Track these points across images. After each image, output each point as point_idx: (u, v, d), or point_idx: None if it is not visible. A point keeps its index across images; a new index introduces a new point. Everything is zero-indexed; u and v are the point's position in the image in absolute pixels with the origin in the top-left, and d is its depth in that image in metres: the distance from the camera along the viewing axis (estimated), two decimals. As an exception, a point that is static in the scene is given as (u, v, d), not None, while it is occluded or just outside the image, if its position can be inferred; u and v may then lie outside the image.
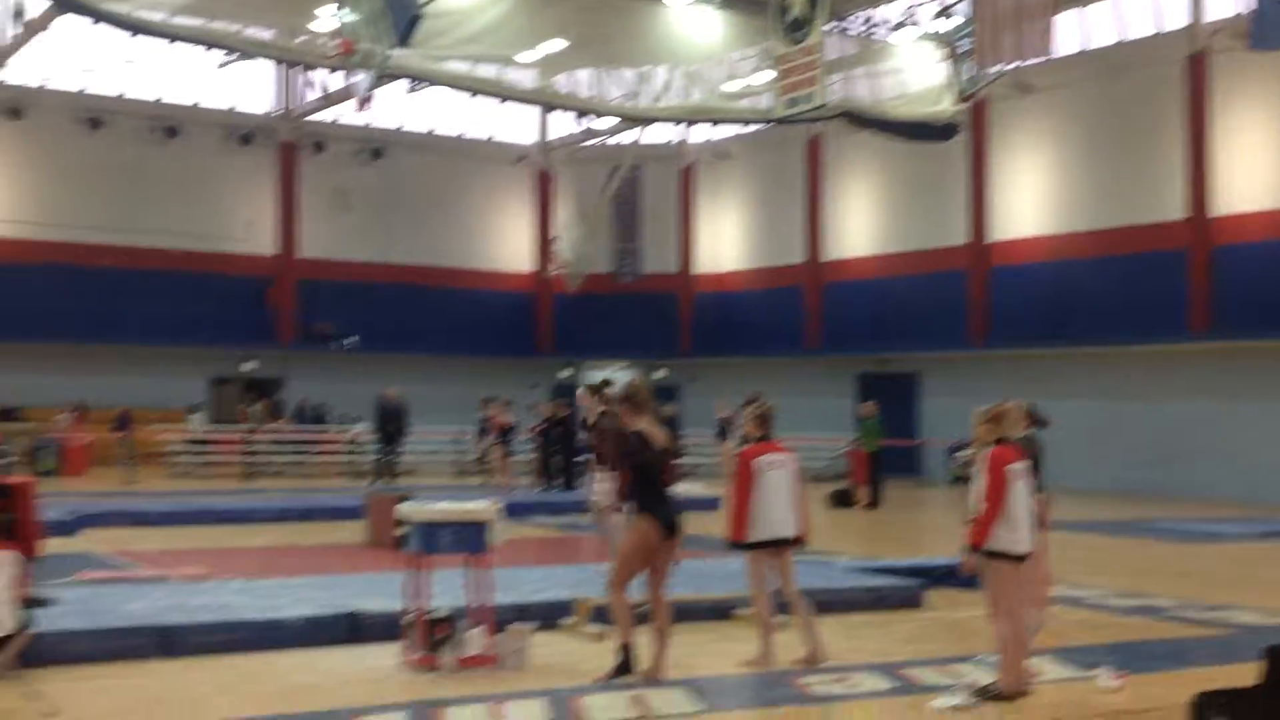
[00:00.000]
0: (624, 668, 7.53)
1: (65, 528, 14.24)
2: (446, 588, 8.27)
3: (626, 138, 33.97)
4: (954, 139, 24.56)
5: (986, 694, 7.05)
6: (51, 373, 27.63)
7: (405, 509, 8.67)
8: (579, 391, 11.61)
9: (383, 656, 8.01)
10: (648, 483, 7.63)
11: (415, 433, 26.37)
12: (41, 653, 7.60)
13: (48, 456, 23.83)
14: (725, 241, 34.88)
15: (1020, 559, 7.16)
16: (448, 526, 8.10)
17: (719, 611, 9.41)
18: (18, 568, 7.56)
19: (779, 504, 8.11)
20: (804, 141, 31.62)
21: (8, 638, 7.35)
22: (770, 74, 26.47)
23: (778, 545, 8.16)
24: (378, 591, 9.42)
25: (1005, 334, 27.21)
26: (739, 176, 34.42)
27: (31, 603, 7.86)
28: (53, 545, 12.59)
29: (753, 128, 31.80)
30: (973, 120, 26.43)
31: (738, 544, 8.16)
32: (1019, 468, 7.17)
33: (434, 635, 7.79)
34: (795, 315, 32.06)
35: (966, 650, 8.35)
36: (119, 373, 28.62)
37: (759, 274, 33.63)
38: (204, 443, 27.10)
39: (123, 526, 15.58)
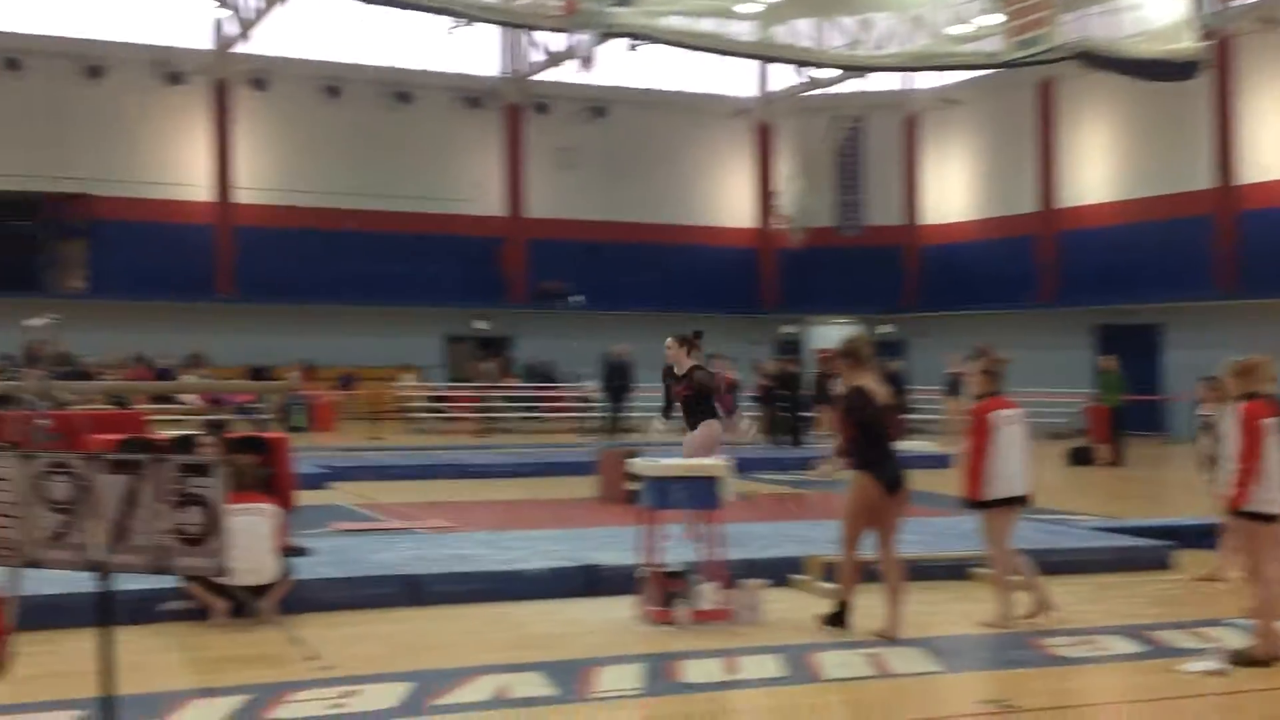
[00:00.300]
0: (836, 620, 7.56)
1: (316, 481, 14.95)
2: (679, 542, 8.36)
3: (849, 87, 33.48)
4: (1196, 77, 23.32)
5: (1240, 659, 6.74)
6: (298, 333, 28.98)
7: (638, 465, 8.81)
8: (668, 341, 11.22)
9: (619, 609, 8.15)
10: (870, 439, 7.56)
11: (641, 389, 26.70)
12: (300, 600, 8.03)
13: (298, 413, 25.07)
14: (952, 191, 34.01)
15: (1274, 519, 6.80)
16: (680, 482, 8.18)
17: (955, 571, 9.24)
18: (278, 519, 8.00)
19: (1015, 461, 7.92)
20: (1035, 85, 30.49)
21: (270, 585, 7.80)
22: (998, 15, 25.62)
23: (1012, 504, 7.97)
24: (612, 545, 9.61)
25: (1255, 282, 25.72)
26: (966, 124, 33.46)
27: (291, 552, 8.32)
28: (306, 498, 13.24)
29: (981, 73, 30.89)
30: (1217, 57, 25.00)
31: (974, 502, 7.98)
32: (1273, 423, 6.80)
33: (668, 589, 7.90)
34: (1027, 266, 31.06)
35: (1218, 613, 8.00)
36: (360, 332, 29.86)
37: (988, 224, 32.68)
38: (442, 399, 28.08)
39: (369, 480, 16.28)
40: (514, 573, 8.90)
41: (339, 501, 13.98)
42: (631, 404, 26.22)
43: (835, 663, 6.88)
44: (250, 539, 7.45)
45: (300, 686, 6.36)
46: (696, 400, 10.79)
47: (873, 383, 7.66)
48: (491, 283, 32.22)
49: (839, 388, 8.06)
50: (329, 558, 9.14)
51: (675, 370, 10.96)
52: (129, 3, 28.75)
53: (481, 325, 31.64)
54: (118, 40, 28.83)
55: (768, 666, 6.81)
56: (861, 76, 32.02)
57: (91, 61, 28.43)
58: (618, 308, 31.35)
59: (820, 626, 7.59)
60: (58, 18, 28.41)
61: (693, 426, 10.77)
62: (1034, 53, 24.73)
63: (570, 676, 6.55)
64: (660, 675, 6.64)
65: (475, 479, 17.01)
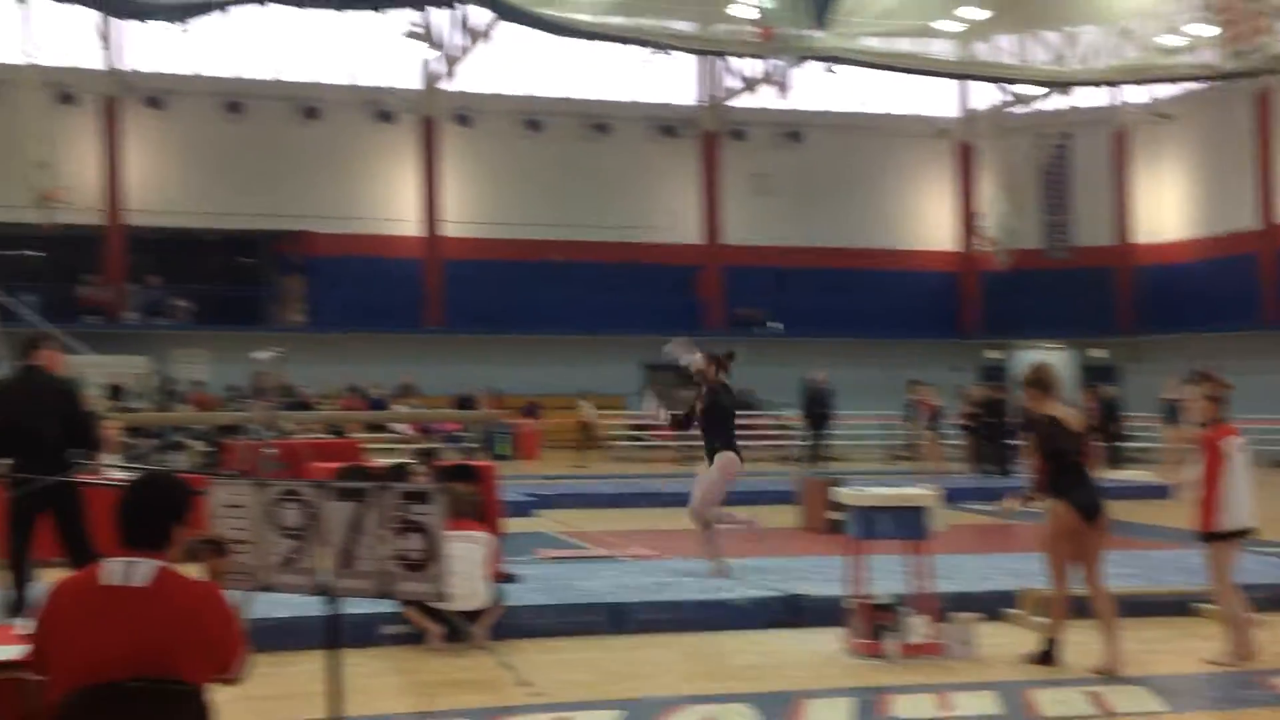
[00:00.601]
0: (1044, 657, 7.35)
1: (522, 509, 15.24)
2: (885, 573, 8.21)
3: (1054, 104, 32.61)
4: None
5: None
6: (502, 362, 29.66)
7: (844, 494, 8.70)
8: (697, 358, 10.51)
9: (824, 641, 8.04)
10: (1063, 468, 7.37)
11: (841, 417, 26.41)
12: (509, 625, 8.17)
13: (503, 442, 25.62)
14: (1166, 209, 32.71)
15: None
16: (887, 511, 8.04)
17: (1178, 606, 8.82)
18: (491, 546, 8.17)
19: (1242, 490, 7.56)
20: (1252, 96, 29.15)
21: (483, 610, 7.96)
22: (1213, 26, 24.63)
23: (1240, 535, 7.60)
24: (815, 575, 9.51)
25: None
26: (1179, 138, 32.16)
27: (502, 578, 8.48)
28: (511, 525, 13.52)
29: (1194, 85, 29.73)
30: None
31: (1206, 534, 7.60)
32: None
33: (876, 622, 7.75)
34: (1249, 285, 29.62)
35: None
36: (561, 361, 30.37)
37: (1206, 243, 31.31)
38: (642, 428, 28.30)
39: (572, 508, 16.48)
40: (717, 602, 8.88)
41: (544, 529, 14.20)
42: (832, 431, 25.97)
43: (1053, 700, 6.64)
44: (465, 565, 7.61)
45: (514, 712, 6.47)
46: (713, 423, 10.26)
47: (1063, 410, 7.55)
48: (688, 310, 32.37)
49: (1031, 416, 7.86)
50: (536, 584, 9.28)
51: (702, 386, 10.45)
52: (343, 46, 30.03)
53: (679, 353, 31.79)
54: (332, 82, 30.15)
55: (983, 703, 6.62)
56: (1067, 93, 31.16)
57: (308, 103, 29.78)
58: (815, 334, 31.11)
59: (1027, 664, 7.36)
60: (276, 62, 29.88)
61: (710, 451, 10.20)
62: (1251, 63, 23.70)
63: (777, 709, 6.49)
64: (870, 710, 6.52)
65: (675, 507, 16.99)
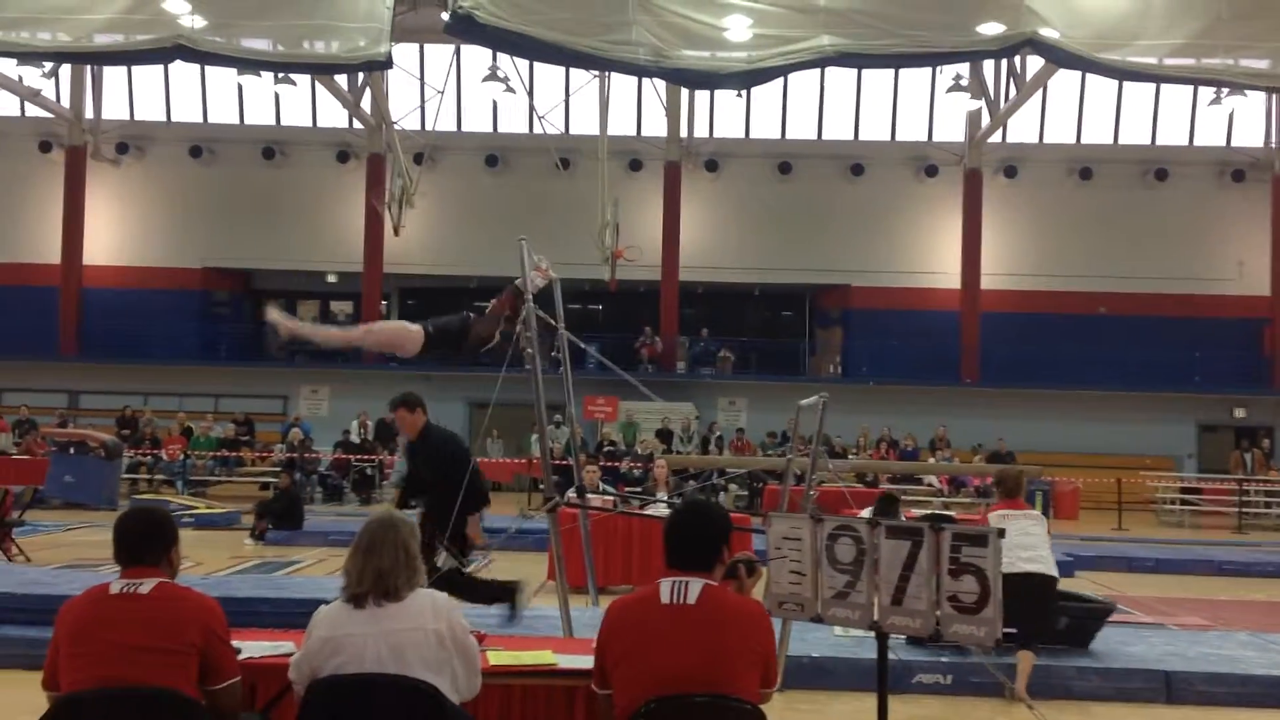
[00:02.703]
0: None
1: (1062, 569, 14.70)
2: None
3: None
4: None
5: None
6: (1037, 418, 28.78)
7: None
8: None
9: None
10: None
11: None
12: (1050, 685, 8.03)
13: (1038, 500, 24.78)
14: None
15: None
16: None
17: None
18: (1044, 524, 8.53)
19: None
20: None
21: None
22: None
23: None
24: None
25: None
26: None
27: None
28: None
29: None
30: None
31: None
32: None
33: None
34: None
35: None
36: (1101, 419, 29.04)
37: None
38: (1195, 491, 26.48)
39: (1115, 571, 15.77)
40: (1286, 678, 8.22)
41: (1085, 591, 13.65)
42: None
43: None
44: (1034, 538, 8.17)
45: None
46: None
47: None
48: (1256, 367, 29.98)
49: None
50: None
51: None
52: (886, 103, 30.66)
53: (1240, 413, 29.50)
54: (878, 140, 30.77)
55: None
56: None
57: (854, 160, 30.59)
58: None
59: None
60: (827, 125, 30.99)
61: None
62: None
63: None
64: None
65: (1232, 576, 15.86)
